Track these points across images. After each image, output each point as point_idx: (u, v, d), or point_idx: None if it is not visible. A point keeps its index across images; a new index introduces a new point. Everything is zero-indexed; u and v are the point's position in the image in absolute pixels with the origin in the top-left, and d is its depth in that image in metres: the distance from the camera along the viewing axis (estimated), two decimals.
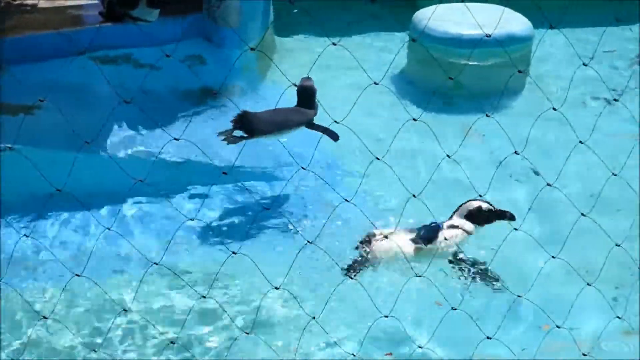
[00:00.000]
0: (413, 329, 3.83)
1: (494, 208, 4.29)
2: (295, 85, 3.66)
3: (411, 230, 4.26)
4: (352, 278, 4.00)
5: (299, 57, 6.40)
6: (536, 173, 5.06)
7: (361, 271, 4.15)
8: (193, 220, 3.49)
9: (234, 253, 3.64)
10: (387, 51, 6.68)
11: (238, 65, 6.02)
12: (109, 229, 3.34)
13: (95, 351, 3.58)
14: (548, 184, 4.10)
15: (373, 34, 7.13)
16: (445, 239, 4.18)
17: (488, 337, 3.28)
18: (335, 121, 4.53)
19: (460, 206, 4.35)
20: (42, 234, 4.31)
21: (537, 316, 3.88)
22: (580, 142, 3.72)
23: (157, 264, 3.43)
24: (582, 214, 3.96)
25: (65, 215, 4.40)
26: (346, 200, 3.73)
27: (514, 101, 6.18)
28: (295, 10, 7.32)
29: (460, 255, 4.25)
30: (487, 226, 4.31)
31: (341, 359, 3.66)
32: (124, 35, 6.11)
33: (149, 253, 3.90)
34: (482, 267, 4.19)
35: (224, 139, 4.39)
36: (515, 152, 3.75)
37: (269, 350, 3.55)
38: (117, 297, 3.84)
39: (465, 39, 6.05)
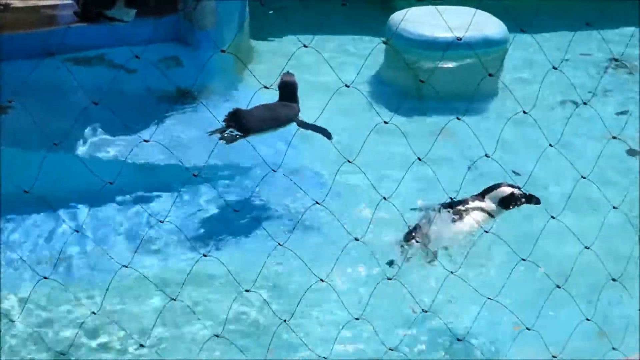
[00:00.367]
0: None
1: (524, 193, 4.25)
2: (266, 87, 3.63)
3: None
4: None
5: (275, 59, 6.40)
6: (516, 174, 5.07)
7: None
8: (162, 222, 3.47)
9: (205, 255, 3.63)
10: (364, 53, 6.69)
11: (215, 66, 6.02)
12: (76, 231, 3.31)
13: (63, 354, 3.55)
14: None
15: (350, 36, 7.15)
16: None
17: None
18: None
19: (490, 189, 4.28)
20: (9, 236, 4.26)
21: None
22: (550, 145, 3.74)
23: (126, 267, 3.41)
24: (552, 217, 4.00)
25: (33, 217, 4.36)
26: (317, 202, 3.74)
27: (490, 103, 6.22)
28: (271, 12, 7.33)
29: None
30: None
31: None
32: (98, 35, 6.09)
33: (118, 255, 3.86)
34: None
35: (221, 139, 4.37)
36: (486, 155, 3.78)
37: (240, 353, 3.54)
38: (86, 300, 3.81)
39: (440, 42, 6.07)
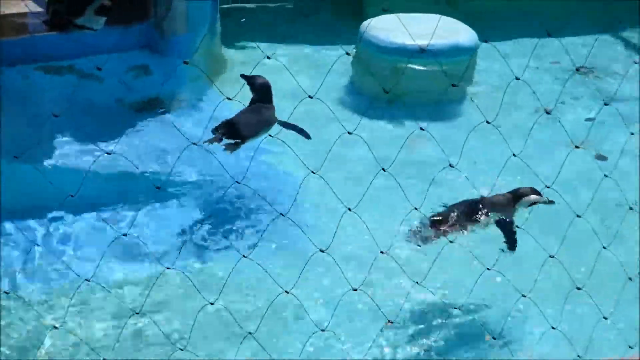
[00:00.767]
0: None
1: (544, 199, 4.35)
2: (229, 98, 3.62)
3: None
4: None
5: (247, 66, 6.38)
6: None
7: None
8: (125, 235, 3.44)
9: (168, 268, 3.62)
10: (333, 60, 6.68)
11: (185, 75, 5.99)
12: (37, 244, 3.28)
13: None
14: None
15: (323, 45, 7.14)
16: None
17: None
18: (270, 135, 4.58)
19: (517, 195, 4.35)
20: None
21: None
22: (514, 154, 3.75)
23: (88, 280, 3.38)
24: (518, 227, 4.03)
25: None
26: (282, 214, 3.74)
27: (462, 110, 6.23)
28: (243, 20, 7.32)
29: None
30: None
31: None
32: (68, 44, 6.03)
33: (81, 268, 3.83)
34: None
35: (225, 150, 4.46)
36: (450, 165, 3.79)
37: None
38: (47, 314, 3.77)
39: (410, 49, 6.08)
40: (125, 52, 6.16)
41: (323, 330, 3.70)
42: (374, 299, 3.89)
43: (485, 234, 4.24)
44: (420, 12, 6.44)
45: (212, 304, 3.65)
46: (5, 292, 3.19)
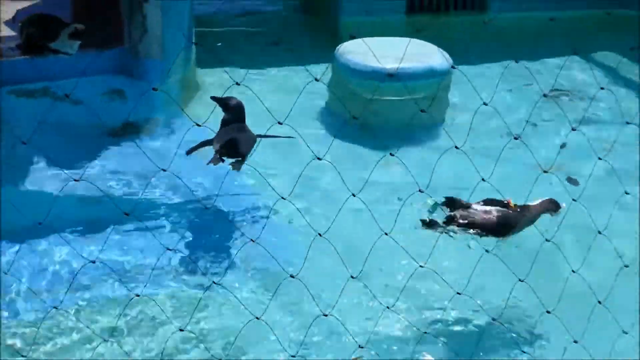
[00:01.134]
0: None
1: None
2: (198, 124, 3.64)
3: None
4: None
5: (222, 90, 6.39)
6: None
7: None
8: (94, 262, 3.42)
9: (137, 295, 3.59)
10: (311, 84, 6.71)
11: (160, 99, 5.97)
12: (4, 272, 3.26)
13: None
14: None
15: (300, 66, 7.16)
16: None
17: None
18: (243, 156, 4.59)
19: (541, 203, 4.58)
20: None
21: None
22: (483, 179, 3.77)
23: (56, 308, 3.36)
24: (486, 250, 4.06)
25: None
26: (252, 240, 3.73)
27: (436, 132, 6.26)
28: (219, 44, 7.35)
29: None
30: None
31: None
32: (42, 68, 6.02)
33: (48, 295, 3.80)
34: None
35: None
36: (420, 191, 3.80)
37: None
38: (11, 340, 3.73)
39: (384, 72, 6.11)
40: (100, 76, 6.18)
41: (293, 357, 3.70)
42: (346, 324, 3.89)
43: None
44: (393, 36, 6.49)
45: (181, 330, 3.63)
46: None
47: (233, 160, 4.63)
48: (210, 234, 4.67)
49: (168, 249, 3.59)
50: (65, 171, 5.00)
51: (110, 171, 5.22)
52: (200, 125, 3.61)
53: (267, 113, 5.47)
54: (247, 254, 4.31)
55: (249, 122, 4.98)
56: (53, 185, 4.87)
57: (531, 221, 4.54)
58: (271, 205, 4.32)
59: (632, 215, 4.65)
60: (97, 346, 3.67)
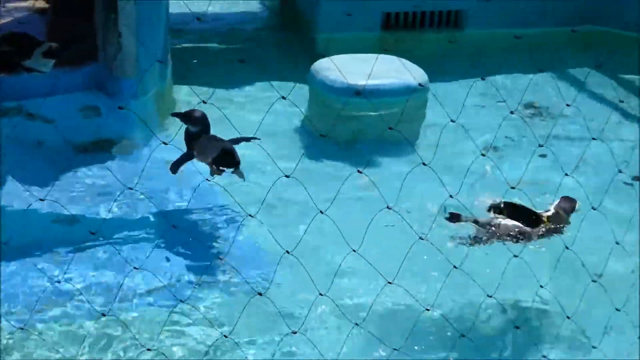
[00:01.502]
0: None
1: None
2: (165, 143, 3.66)
3: None
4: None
5: (198, 106, 6.39)
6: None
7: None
8: (59, 282, 3.40)
9: (104, 315, 3.58)
10: (290, 99, 6.72)
11: (135, 116, 5.96)
12: None
13: None
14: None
15: (276, 82, 7.16)
16: None
17: None
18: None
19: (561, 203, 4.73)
20: None
21: None
22: (451, 196, 3.77)
23: (22, 328, 3.33)
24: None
25: None
26: (220, 258, 3.74)
27: (410, 149, 6.27)
28: (195, 61, 7.36)
29: None
30: None
31: None
32: (16, 86, 6.01)
33: (15, 316, 3.76)
34: None
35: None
36: (388, 207, 3.81)
37: None
38: None
39: (359, 89, 6.11)
40: (75, 93, 6.17)
41: None
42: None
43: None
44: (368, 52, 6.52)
45: (149, 349, 3.61)
46: None
47: (232, 169, 4.72)
48: (178, 251, 4.64)
49: (135, 268, 3.57)
50: (34, 190, 5.02)
51: (81, 189, 5.19)
52: (167, 144, 3.62)
53: (242, 130, 5.52)
54: (216, 271, 4.29)
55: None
56: (22, 204, 4.83)
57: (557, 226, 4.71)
58: (240, 222, 4.30)
59: (600, 227, 4.67)
60: None
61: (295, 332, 3.55)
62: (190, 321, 4.05)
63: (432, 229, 4.39)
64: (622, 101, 6.29)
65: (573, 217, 4.76)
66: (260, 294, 3.61)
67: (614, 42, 7.86)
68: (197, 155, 4.96)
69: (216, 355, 3.87)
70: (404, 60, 6.49)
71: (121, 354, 3.89)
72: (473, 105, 6.80)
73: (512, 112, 3.82)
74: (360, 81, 6.15)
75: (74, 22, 6.36)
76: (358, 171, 3.76)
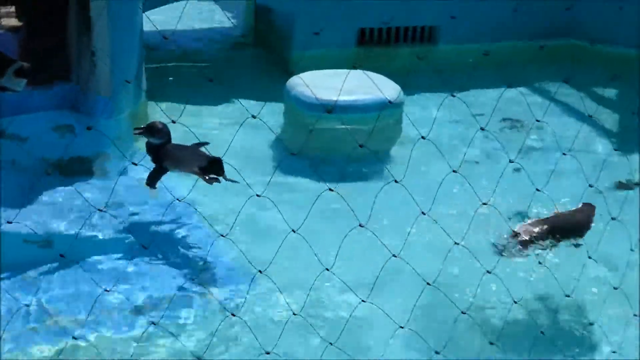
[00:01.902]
0: None
1: None
2: (134, 164, 3.69)
3: None
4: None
5: (172, 125, 6.38)
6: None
7: None
8: (28, 306, 3.38)
9: (74, 338, 3.55)
10: (264, 118, 6.72)
11: (110, 134, 5.93)
12: None
13: None
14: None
15: (253, 100, 7.18)
16: None
17: None
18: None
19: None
20: None
21: None
22: (423, 213, 3.78)
23: None
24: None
25: None
26: (192, 279, 3.73)
27: (382, 165, 6.29)
28: (171, 79, 7.37)
29: None
30: None
31: None
32: None
33: None
34: None
35: (235, 182, 4.69)
36: (360, 225, 3.81)
37: None
38: None
39: (338, 105, 6.14)
40: (49, 112, 6.16)
41: None
42: None
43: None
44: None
45: None
46: None
47: (221, 177, 4.74)
48: (149, 273, 4.63)
49: (106, 290, 3.55)
50: (6, 210, 4.98)
51: (53, 208, 5.16)
52: (136, 164, 3.62)
53: (214, 149, 5.50)
54: (188, 291, 4.27)
55: None
56: None
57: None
58: (211, 242, 4.29)
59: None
60: None
61: (268, 353, 3.54)
62: (162, 344, 4.02)
63: (406, 244, 4.45)
64: (590, 116, 6.37)
65: None
66: (233, 315, 3.60)
67: (581, 55, 8.03)
68: (172, 166, 4.99)
69: None
70: (379, 75, 6.54)
71: None
72: (450, 120, 6.86)
73: (482, 129, 3.84)
74: (334, 97, 6.18)
75: (47, 40, 6.32)
76: (330, 189, 3.76)
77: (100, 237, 4.83)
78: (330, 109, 6.02)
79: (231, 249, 4.64)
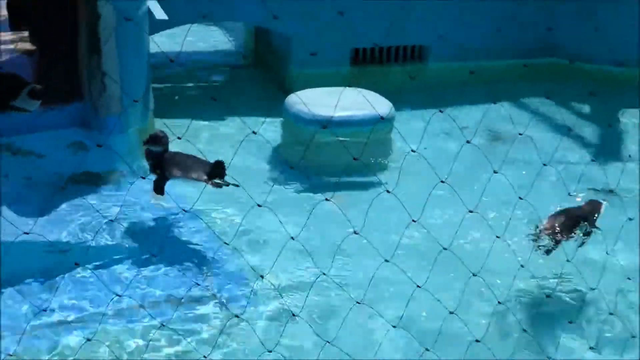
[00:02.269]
0: None
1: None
2: (143, 177, 4.01)
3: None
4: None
5: (178, 141, 6.68)
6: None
7: None
8: (45, 310, 3.64)
9: (88, 340, 3.79)
10: (264, 134, 7.03)
11: (121, 150, 6.24)
12: None
13: None
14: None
15: (253, 117, 7.48)
16: None
17: None
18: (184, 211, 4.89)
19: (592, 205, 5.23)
20: None
21: None
22: (414, 220, 4.08)
23: (10, 355, 3.55)
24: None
25: None
26: (197, 284, 4.01)
27: (380, 177, 6.59)
28: (177, 97, 7.69)
29: None
30: None
31: None
32: (4, 124, 6.29)
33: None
34: None
35: (236, 185, 4.95)
36: (355, 232, 4.12)
37: None
38: None
39: (333, 121, 6.47)
40: (62, 130, 6.46)
41: None
42: None
43: None
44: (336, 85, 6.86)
45: None
46: None
47: (224, 181, 5.00)
48: (157, 278, 4.88)
49: (117, 295, 3.83)
50: (16, 223, 5.25)
51: (67, 220, 5.44)
52: (144, 178, 3.95)
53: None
54: (195, 295, 4.54)
55: None
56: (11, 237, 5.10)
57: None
58: (217, 248, 4.55)
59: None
60: None
61: (270, 351, 3.81)
62: (168, 351, 4.26)
63: (395, 255, 4.76)
64: (570, 129, 6.70)
65: None
66: (237, 316, 3.90)
67: (561, 72, 8.43)
68: (178, 174, 5.22)
69: None
70: (372, 92, 6.89)
71: None
72: (438, 133, 7.16)
73: (468, 142, 4.17)
74: (330, 113, 6.53)
75: (60, 63, 6.62)
76: (326, 199, 4.09)
77: (112, 245, 5.13)
78: (326, 124, 6.36)
79: (234, 255, 4.94)
